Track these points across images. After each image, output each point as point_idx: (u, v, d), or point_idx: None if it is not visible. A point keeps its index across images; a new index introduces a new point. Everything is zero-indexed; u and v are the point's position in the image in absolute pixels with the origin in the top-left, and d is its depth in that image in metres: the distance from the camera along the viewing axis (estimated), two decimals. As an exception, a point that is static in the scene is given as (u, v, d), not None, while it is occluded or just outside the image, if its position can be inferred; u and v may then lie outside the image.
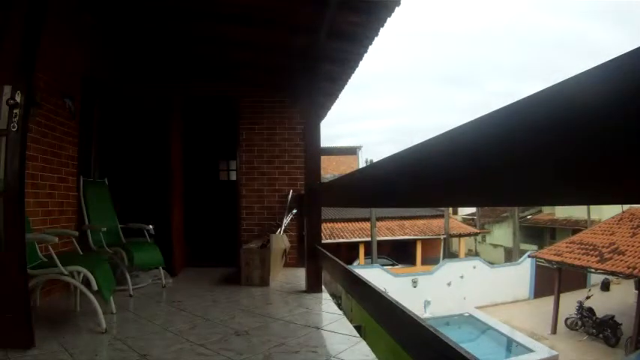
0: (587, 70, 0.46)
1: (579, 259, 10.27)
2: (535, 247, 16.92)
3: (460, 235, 16.60)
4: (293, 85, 4.42)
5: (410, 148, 1.01)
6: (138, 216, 3.87)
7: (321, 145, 3.58)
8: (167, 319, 2.67)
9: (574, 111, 0.48)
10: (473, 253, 20.02)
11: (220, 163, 6.96)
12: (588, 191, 0.49)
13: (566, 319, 10.61)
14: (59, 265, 2.27)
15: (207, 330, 2.42)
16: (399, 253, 16.22)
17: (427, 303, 11.75)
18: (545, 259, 11.63)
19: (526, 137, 0.57)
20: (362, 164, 18.22)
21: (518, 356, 8.61)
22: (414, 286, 12.78)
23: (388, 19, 2.81)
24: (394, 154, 1.12)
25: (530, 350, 8.60)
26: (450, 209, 18.19)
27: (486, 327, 10.65)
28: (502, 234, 20.36)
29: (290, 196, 4.63)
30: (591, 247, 10.52)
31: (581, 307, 10.33)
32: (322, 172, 3.71)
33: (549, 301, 11.59)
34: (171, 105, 4.38)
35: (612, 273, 9.27)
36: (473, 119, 0.71)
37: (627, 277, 9.07)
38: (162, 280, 3.63)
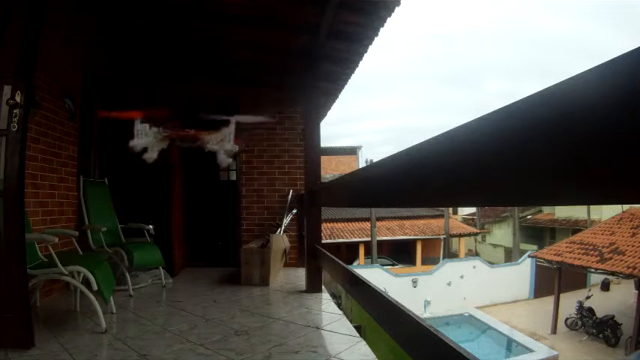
0: (587, 70, 0.46)
1: (579, 259, 10.27)
2: (535, 247, 16.92)
3: (460, 235, 16.60)
4: (293, 85, 4.42)
5: (410, 148, 1.01)
6: (138, 216, 3.87)
7: (321, 145, 3.58)
8: (167, 319, 2.67)
9: (574, 111, 0.48)
10: (473, 253, 20.02)
11: (220, 163, 6.95)
12: (588, 191, 0.49)
13: (566, 319, 10.61)
14: (59, 265, 2.27)
15: (207, 330, 2.41)
16: (399, 253, 16.22)
17: (427, 303, 11.75)
18: (545, 259, 11.62)
19: (526, 137, 0.57)
20: (362, 164, 18.21)
21: (518, 356, 8.61)
22: (414, 286, 12.78)
23: (388, 19, 2.81)
24: (394, 154, 1.12)
25: (530, 350, 8.61)
26: (450, 209, 18.19)
27: (486, 327, 10.65)
28: (502, 234, 20.35)
29: (290, 196, 4.63)
30: (591, 247, 10.52)
31: (581, 307, 10.33)
32: (322, 172, 3.71)
33: (549, 301, 11.59)
34: (171, 104, 4.38)
35: (612, 273, 9.26)
36: (473, 119, 0.71)
37: (627, 277, 9.07)
38: (162, 280, 3.64)
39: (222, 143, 3.83)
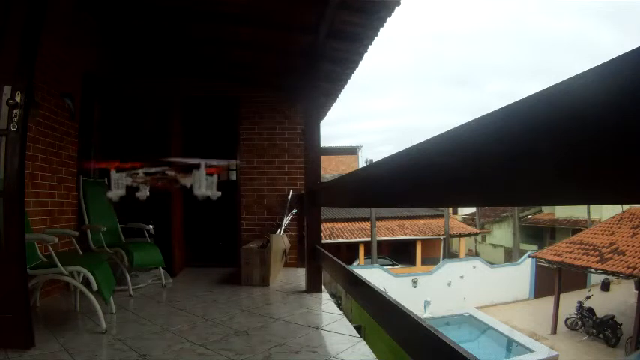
0: (587, 70, 0.46)
1: (579, 259, 10.27)
2: (535, 247, 16.92)
3: (460, 235, 16.60)
4: (293, 85, 4.41)
5: (410, 148, 1.01)
6: (138, 216, 3.87)
7: (321, 145, 3.58)
8: (167, 319, 2.66)
9: (573, 111, 0.48)
10: (473, 253, 20.02)
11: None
12: (588, 191, 0.49)
13: (566, 319, 10.62)
14: (59, 265, 2.27)
15: (207, 330, 2.42)
16: (399, 253, 16.23)
17: (427, 303, 11.75)
18: (545, 259, 11.62)
19: (526, 137, 0.57)
20: (362, 164, 18.22)
21: (518, 356, 8.61)
22: (414, 286, 12.78)
23: (388, 19, 2.81)
24: (394, 154, 1.12)
25: (530, 350, 8.61)
26: (450, 209, 18.18)
27: (486, 327, 10.66)
28: (502, 234, 20.35)
29: (290, 196, 4.63)
30: (591, 247, 10.52)
31: (581, 307, 10.33)
32: (322, 172, 3.71)
33: (549, 301, 11.59)
34: (171, 105, 4.38)
35: (612, 273, 9.26)
36: (473, 119, 0.71)
37: (627, 277, 9.07)
38: (162, 280, 3.64)
39: (196, 186, 4.03)
